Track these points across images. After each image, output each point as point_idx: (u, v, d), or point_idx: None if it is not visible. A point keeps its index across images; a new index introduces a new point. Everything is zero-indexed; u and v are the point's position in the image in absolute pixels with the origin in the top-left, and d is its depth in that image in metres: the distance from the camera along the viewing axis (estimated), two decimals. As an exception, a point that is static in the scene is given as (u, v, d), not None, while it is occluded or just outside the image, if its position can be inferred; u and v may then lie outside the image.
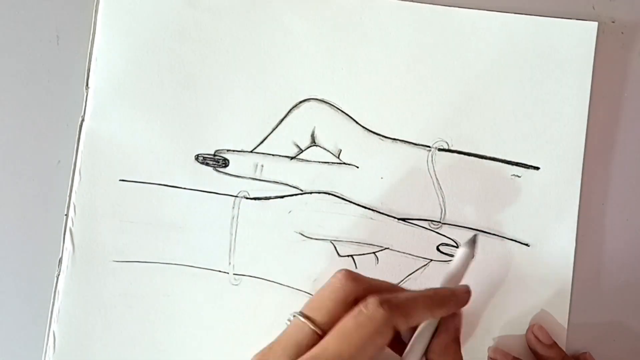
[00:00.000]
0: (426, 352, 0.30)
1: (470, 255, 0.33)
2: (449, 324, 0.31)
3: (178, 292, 0.39)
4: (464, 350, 0.32)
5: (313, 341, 0.27)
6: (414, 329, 0.31)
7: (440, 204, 0.40)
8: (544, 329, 0.39)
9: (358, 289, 0.29)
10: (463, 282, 0.33)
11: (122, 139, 0.40)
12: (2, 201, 0.40)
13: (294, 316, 0.28)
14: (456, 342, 0.31)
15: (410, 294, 0.30)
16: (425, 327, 0.30)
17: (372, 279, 0.30)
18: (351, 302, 0.28)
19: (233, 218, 0.40)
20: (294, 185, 0.40)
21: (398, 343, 0.31)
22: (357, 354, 0.27)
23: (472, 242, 0.34)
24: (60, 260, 0.39)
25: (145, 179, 0.40)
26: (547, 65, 0.41)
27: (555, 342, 0.38)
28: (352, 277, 0.29)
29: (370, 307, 0.27)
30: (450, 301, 0.31)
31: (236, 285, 0.39)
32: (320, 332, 0.27)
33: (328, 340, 0.27)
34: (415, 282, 0.40)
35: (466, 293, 0.32)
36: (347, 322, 0.27)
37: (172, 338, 0.39)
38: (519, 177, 0.40)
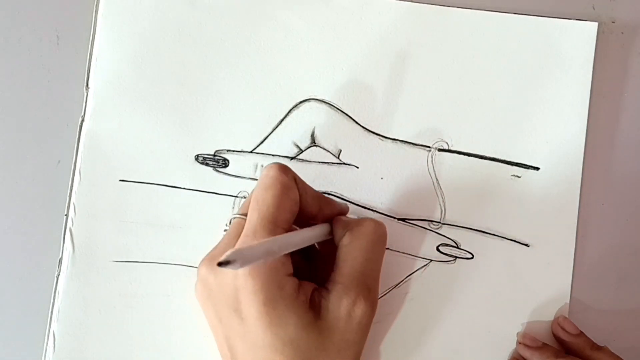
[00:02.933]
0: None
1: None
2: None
3: (178, 292, 0.39)
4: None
5: None
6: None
7: (440, 204, 0.40)
8: (568, 319, 0.39)
9: (287, 179, 0.31)
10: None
11: (122, 139, 0.40)
12: (2, 201, 0.40)
13: (233, 218, 0.32)
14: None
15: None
16: (319, 226, 0.33)
17: (299, 177, 0.32)
18: None
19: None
20: (294, 185, 0.40)
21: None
22: (276, 211, 0.30)
23: None
24: (60, 261, 0.39)
25: (145, 179, 0.40)
26: (547, 65, 0.41)
27: (582, 332, 0.38)
28: (281, 169, 0.31)
29: (272, 169, 0.30)
30: (335, 203, 0.35)
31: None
32: None
33: (250, 213, 0.30)
34: (416, 282, 0.40)
35: (346, 206, 0.37)
36: (257, 190, 0.31)
37: (172, 338, 0.39)
38: (519, 177, 0.40)
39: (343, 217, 0.34)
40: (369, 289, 0.31)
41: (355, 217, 0.36)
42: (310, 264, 0.35)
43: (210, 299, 0.31)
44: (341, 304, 0.30)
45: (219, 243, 0.32)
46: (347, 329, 0.30)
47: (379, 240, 0.33)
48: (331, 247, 0.33)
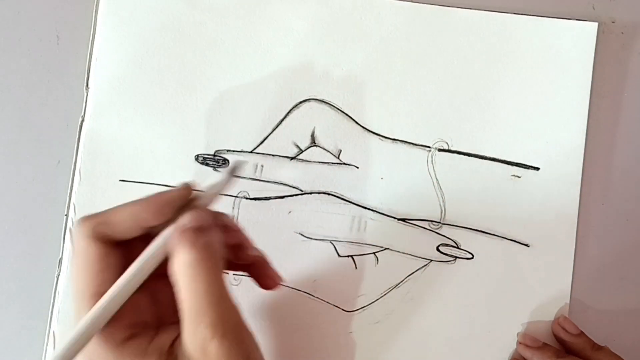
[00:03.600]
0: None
1: (227, 181, 0.30)
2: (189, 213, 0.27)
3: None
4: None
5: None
6: None
7: (440, 204, 0.40)
8: (569, 319, 0.39)
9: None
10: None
11: (122, 139, 0.40)
12: (2, 201, 0.40)
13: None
14: (177, 235, 0.27)
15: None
16: (147, 249, 0.27)
17: (103, 213, 0.28)
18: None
19: (233, 218, 0.40)
20: (294, 185, 0.40)
21: None
22: (79, 279, 0.26)
23: (233, 169, 0.31)
24: (60, 261, 0.39)
25: (145, 179, 0.40)
26: (547, 65, 0.41)
27: (582, 332, 0.38)
28: (78, 223, 0.27)
29: (73, 235, 0.28)
30: (149, 202, 0.27)
31: (236, 285, 0.39)
32: None
33: (74, 300, 0.27)
34: (416, 283, 0.40)
35: (179, 191, 0.28)
36: (72, 271, 0.27)
37: (172, 338, 0.39)
38: (519, 177, 0.40)
39: (176, 234, 0.27)
40: (213, 317, 0.25)
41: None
42: None
43: None
44: (191, 344, 0.25)
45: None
46: None
47: (198, 265, 0.26)
48: None
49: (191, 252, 0.26)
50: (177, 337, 0.27)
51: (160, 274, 0.27)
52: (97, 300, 0.26)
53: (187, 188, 0.29)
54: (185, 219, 0.27)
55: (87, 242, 0.27)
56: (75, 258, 0.27)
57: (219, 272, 0.26)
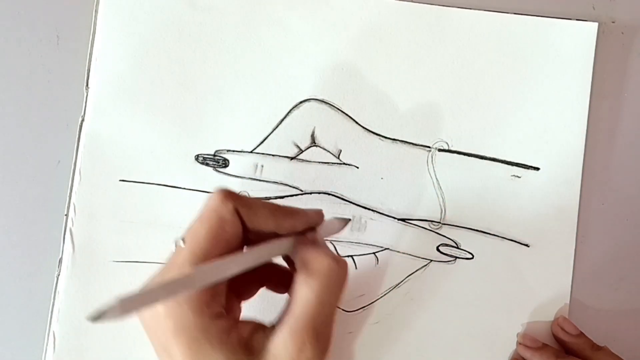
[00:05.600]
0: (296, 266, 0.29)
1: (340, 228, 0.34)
2: (304, 238, 0.30)
3: (178, 292, 0.39)
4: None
5: None
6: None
7: (440, 204, 0.40)
8: (568, 320, 0.39)
9: (226, 211, 0.28)
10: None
11: (122, 139, 0.40)
12: (2, 201, 0.40)
13: (176, 244, 0.29)
14: (316, 245, 0.30)
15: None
16: (274, 242, 0.29)
17: (247, 198, 0.29)
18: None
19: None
20: (294, 185, 0.40)
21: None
22: (210, 246, 0.27)
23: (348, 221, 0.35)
24: (60, 261, 0.39)
25: (145, 179, 0.40)
26: (547, 65, 0.41)
27: (582, 332, 0.38)
28: (221, 198, 0.28)
29: (212, 199, 0.28)
30: (296, 214, 0.30)
31: (236, 285, 0.39)
32: None
33: (184, 247, 0.28)
34: (416, 282, 0.40)
35: (317, 214, 0.31)
36: (194, 222, 0.28)
37: (172, 338, 0.39)
38: (519, 177, 0.40)
39: (307, 242, 0.30)
40: (318, 336, 0.28)
41: (325, 238, 0.32)
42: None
43: (149, 334, 0.29)
44: (285, 348, 0.27)
45: (155, 273, 0.29)
46: None
47: (337, 282, 0.29)
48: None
49: (338, 264, 0.28)
50: (255, 331, 0.28)
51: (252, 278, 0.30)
52: (202, 262, 0.27)
53: (321, 214, 0.32)
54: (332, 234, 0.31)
55: (231, 214, 0.28)
56: (208, 223, 0.28)
57: (341, 297, 0.29)
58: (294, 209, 0.31)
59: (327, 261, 0.28)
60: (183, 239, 0.28)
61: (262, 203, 0.30)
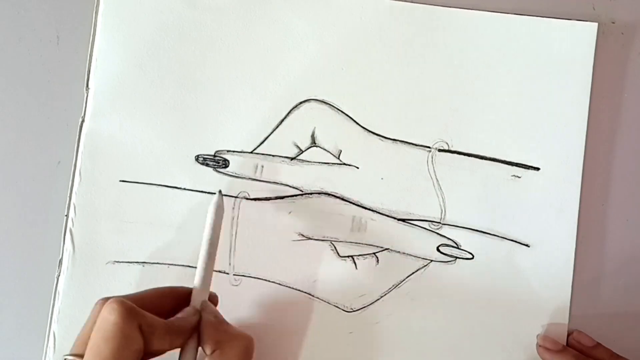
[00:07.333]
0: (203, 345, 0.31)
1: (221, 211, 0.35)
2: (207, 313, 0.32)
3: (178, 293, 0.39)
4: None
5: None
6: None
7: (440, 205, 0.40)
8: (583, 333, 0.39)
9: (131, 329, 0.28)
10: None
11: (122, 139, 0.40)
12: (2, 201, 0.40)
13: (65, 359, 0.29)
14: (220, 324, 0.32)
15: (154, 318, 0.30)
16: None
17: (148, 316, 0.30)
18: None
19: (233, 219, 0.40)
20: (294, 186, 0.40)
21: None
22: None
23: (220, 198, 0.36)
24: (60, 261, 0.39)
25: (145, 180, 0.40)
26: (547, 65, 0.41)
27: (599, 343, 0.38)
28: (124, 314, 0.28)
29: (114, 314, 0.28)
30: (186, 332, 0.31)
31: (236, 285, 0.39)
32: None
33: None
34: (416, 283, 0.40)
35: (195, 315, 0.32)
36: (95, 337, 0.28)
37: (172, 338, 0.39)
38: (519, 177, 0.40)
39: (211, 331, 0.31)
40: None
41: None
42: None
43: None
44: None
45: None
46: None
47: (248, 357, 0.31)
48: None
49: (248, 341, 0.31)
50: None
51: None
52: None
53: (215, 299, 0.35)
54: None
55: (135, 332, 0.28)
56: (113, 342, 0.27)
57: None
58: (182, 322, 0.31)
59: (241, 342, 0.31)
60: (76, 355, 0.29)
61: (159, 322, 0.29)
